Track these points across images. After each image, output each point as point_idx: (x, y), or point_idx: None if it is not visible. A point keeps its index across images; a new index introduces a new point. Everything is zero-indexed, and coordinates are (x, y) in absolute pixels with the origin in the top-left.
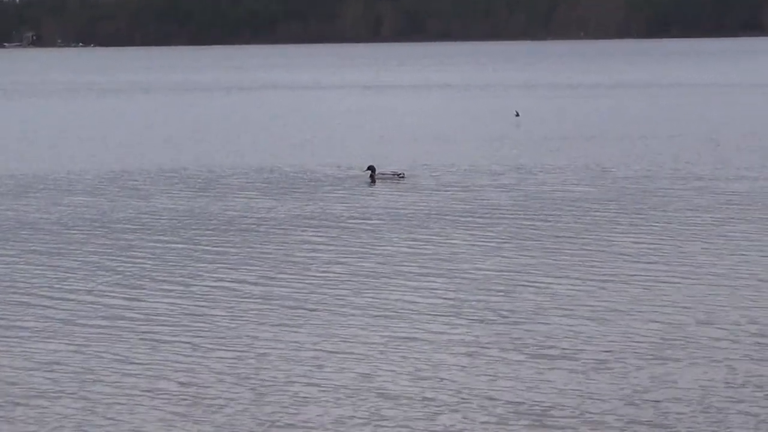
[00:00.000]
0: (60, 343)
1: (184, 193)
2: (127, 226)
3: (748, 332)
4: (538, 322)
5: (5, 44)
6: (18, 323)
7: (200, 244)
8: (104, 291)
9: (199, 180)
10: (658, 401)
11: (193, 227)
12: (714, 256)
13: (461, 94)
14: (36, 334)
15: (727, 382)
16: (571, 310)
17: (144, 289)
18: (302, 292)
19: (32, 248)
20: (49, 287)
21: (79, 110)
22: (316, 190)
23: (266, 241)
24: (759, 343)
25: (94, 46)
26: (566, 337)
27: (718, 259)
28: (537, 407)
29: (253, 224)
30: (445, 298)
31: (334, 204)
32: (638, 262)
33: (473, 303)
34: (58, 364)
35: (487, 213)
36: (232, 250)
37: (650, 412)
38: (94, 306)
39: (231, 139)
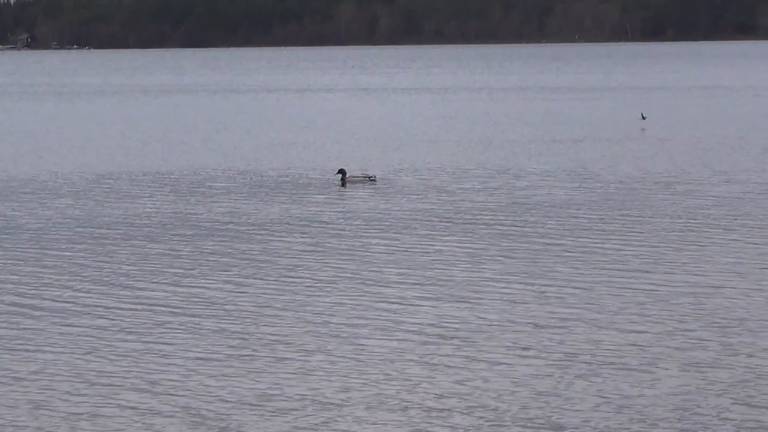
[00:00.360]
0: (42, 347)
1: (165, 197)
2: (109, 229)
3: (740, 336)
4: (516, 330)
5: (0, 46)
6: (3, 326)
7: (176, 248)
8: (86, 294)
9: (178, 183)
10: (634, 405)
11: (171, 230)
12: (708, 261)
13: (451, 97)
14: (18, 338)
15: (726, 389)
16: (545, 314)
17: (125, 291)
18: (276, 298)
19: (14, 251)
20: (31, 291)
21: (69, 113)
22: (287, 193)
23: (231, 246)
24: (756, 347)
25: (89, 48)
26: (541, 342)
27: (712, 264)
28: (521, 413)
29: (214, 227)
30: (417, 305)
31: (305, 207)
32: (618, 267)
33: (446, 305)
34: (38, 372)
35: (457, 217)
36: (205, 254)
37: (628, 417)
38: (76, 310)
39: (216, 141)
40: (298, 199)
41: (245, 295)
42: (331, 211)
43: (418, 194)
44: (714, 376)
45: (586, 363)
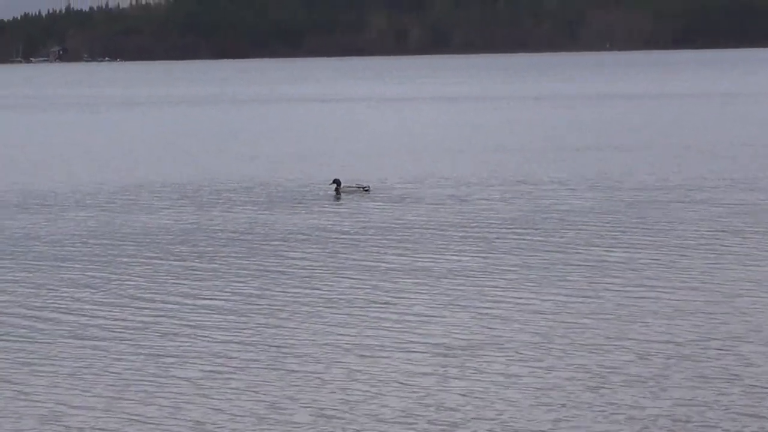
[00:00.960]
0: (57, 359)
1: (182, 208)
2: (124, 241)
3: (758, 346)
4: (528, 341)
5: (32, 59)
6: (18, 339)
7: (188, 260)
8: (101, 306)
9: (196, 194)
10: (647, 418)
11: (185, 243)
12: (730, 269)
13: (476, 106)
14: (37, 350)
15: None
16: (559, 325)
17: (139, 303)
18: (285, 309)
19: (31, 263)
20: (47, 303)
21: (93, 124)
22: (292, 204)
23: (238, 259)
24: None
25: (120, 60)
26: (555, 354)
27: (734, 273)
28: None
29: (216, 239)
30: (420, 315)
31: (314, 218)
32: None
33: (452, 319)
34: (51, 386)
35: (469, 226)
36: (214, 266)
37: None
38: (91, 323)
39: (232, 151)
40: (302, 210)
41: (257, 307)
42: (338, 221)
43: (412, 204)
44: (729, 389)
45: (599, 375)
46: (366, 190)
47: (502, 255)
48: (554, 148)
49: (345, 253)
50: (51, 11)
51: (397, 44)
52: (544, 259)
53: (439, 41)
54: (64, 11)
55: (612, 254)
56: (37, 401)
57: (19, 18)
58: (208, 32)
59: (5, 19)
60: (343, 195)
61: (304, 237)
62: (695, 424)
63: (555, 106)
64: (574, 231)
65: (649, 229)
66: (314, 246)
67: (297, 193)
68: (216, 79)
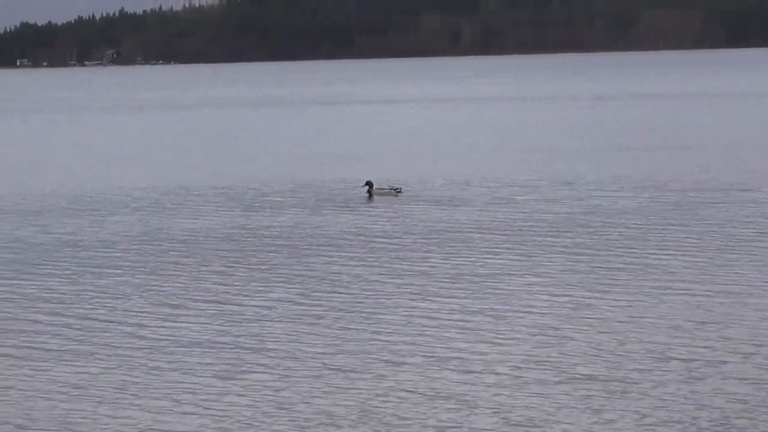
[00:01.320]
0: (98, 362)
1: (226, 211)
2: (168, 243)
3: None
4: (569, 346)
5: (86, 62)
6: (58, 342)
7: (231, 263)
8: (143, 310)
9: (240, 197)
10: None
11: (228, 245)
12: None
13: (526, 106)
14: (76, 353)
15: None
16: (596, 327)
17: (179, 308)
18: (333, 311)
19: (74, 266)
20: (88, 306)
21: (147, 126)
22: (332, 205)
23: (271, 261)
24: None
25: (174, 63)
26: (594, 356)
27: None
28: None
29: (253, 242)
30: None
31: (354, 219)
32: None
33: (508, 320)
34: (94, 386)
35: (511, 228)
36: (252, 269)
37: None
38: (134, 326)
39: (275, 153)
40: (345, 211)
41: (300, 311)
42: (388, 223)
43: (441, 205)
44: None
45: (629, 382)
46: (398, 192)
47: (539, 257)
48: (602, 149)
49: (387, 256)
50: (105, 15)
51: (450, 45)
52: (587, 262)
53: (491, 42)
54: (117, 14)
55: (659, 257)
56: (78, 402)
57: (73, 22)
58: (262, 34)
59: (59, 23)
60: (375, 197)
61: (344, 239)
62: (727, 426)
63: (605, 106)
64: (619, 232)
65: (694, 229)
66: (357, 249)
67: (336, 195)
68: (269, 81)
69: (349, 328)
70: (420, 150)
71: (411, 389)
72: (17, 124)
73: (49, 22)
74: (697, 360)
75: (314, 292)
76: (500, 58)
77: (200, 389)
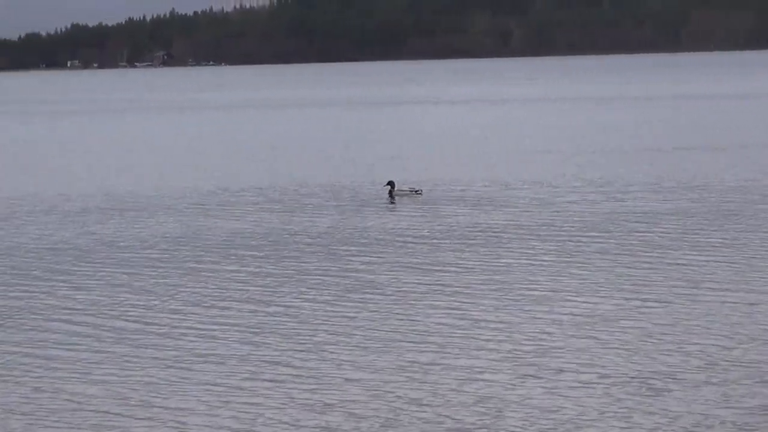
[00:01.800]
0: (133, 366)
1: (263, 213)
2: (203, 244)
3: None
4: (598, 347)
5: (136, 64)
6: (95, 342)
7: (264, 265)
8: (178, 313)
9: (279, 198)
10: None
11: (263, 247)
12: None
13: (573, 107)
14: (113, 351)
15: None
16: (629, 329)
17: (213, 310)
18: (364, 312)
19: (111, 269)
20: (124, 310)
21: (195, 127)
22: (359, 207)
23: (298, 262)
24: None
25: (225, 64)
26: (621, 358)
27: None
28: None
29: (286, 243)
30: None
31: (379, 219)
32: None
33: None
34: (126, 383)
35: (545, 229)
36: (284, 271)
37: None
38: (184, 324)
39: (312, 154)
40: (375, 212)
41: (332, 311)
42: (383, 225)
43: (461, 208)
44: None
45: (652, 383)
46: (418, 194)
47: (573, 258)
48: (646, 150)
49: (418, 257)
50: (155, 16)
51: (500, 46)
52: (622, 265)
53: (541, 42)
54: (168, 16)
55: (695, 258)
56: (103, 407)
57: (123, 23)
58: (312, 35)
59: (110, 24)
60: (396, 198)
61: (378, 239)
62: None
63: (653, 107)
64: (655, 234)
65: (735, 232)
66: (390, 249)
67: (369, 196)
68: (320, 82)
69: (382, 329)
70: (461, 151)
71: (444, 389)
72: (106, 124)
73: (100, 23)
74: (730, 362)
75: (349, 292)
76: (549, 59)
77: (233, 389)
